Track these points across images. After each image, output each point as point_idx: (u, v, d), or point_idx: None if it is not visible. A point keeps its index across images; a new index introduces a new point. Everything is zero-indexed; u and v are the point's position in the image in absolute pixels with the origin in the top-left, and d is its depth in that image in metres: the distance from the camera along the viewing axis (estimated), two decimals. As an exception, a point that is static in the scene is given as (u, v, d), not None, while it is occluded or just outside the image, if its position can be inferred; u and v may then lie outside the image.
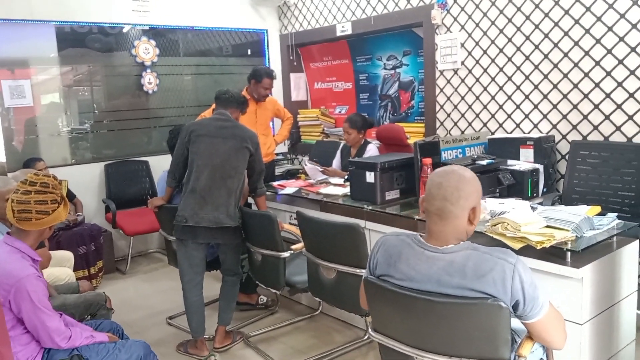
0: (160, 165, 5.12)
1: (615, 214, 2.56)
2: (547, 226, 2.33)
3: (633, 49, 3.24)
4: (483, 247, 1.63)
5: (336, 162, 4.29)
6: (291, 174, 5.12)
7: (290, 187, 3.85)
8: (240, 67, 5.85)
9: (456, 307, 1.57)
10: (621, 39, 3.28)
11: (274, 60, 5.95)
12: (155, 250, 5.23)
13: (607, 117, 3.42)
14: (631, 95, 3.28)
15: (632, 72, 3.26)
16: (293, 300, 3.75)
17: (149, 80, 5.16)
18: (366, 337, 3.17)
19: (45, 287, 2.10)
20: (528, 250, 2.22)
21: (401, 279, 1.68)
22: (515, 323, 1.73)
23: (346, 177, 3.72)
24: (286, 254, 2.89)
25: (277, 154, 5.16)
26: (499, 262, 1.56)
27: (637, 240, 2.48)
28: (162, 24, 5.18)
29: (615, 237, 2.40)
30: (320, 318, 3.51)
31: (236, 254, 3.16)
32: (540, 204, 3.05)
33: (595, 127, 3.48)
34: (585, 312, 2.19)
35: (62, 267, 3.25)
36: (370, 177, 3.18)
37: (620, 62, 3.30)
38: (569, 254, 2.22)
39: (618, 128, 3.37)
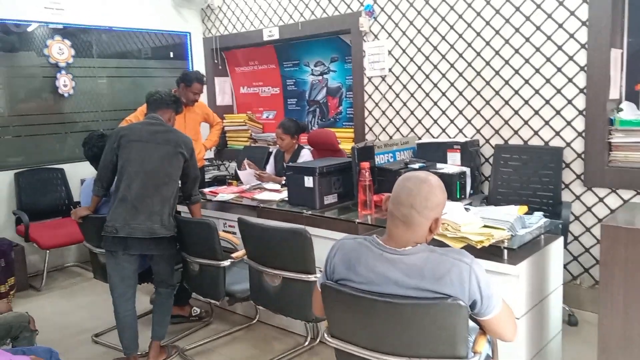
0: (77, 172, 4.83)
1: (541, 213, 2.73)
2: (485, 226, 2.44)
3: (548, 59, 3.48)
4: (439, 249, 1.67)
5: (270, 168, 4.24)
6: (219, 180, 5.01)
7: (223, 193, 3.74)
8: (162, 70, 5.65)
9: (417, 308, 1.59)
10: (537, 49, 3.52)
11: (198, 64, 5.80)
12: (73, 264, 4.89)
13: (526, 122, 3.64)
14: (547, 102, 3.52)
15: (548, 81, 3.50)
16: (228, 310, 3.64)
17: (64, 83, 4.83)
18: (307, 343, 3.14)
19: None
20: (468, 249, 2.29)
21: (361, 282, 1.67)
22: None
23: (283, 182, 3.68)
24: (226, 263, 2.80)
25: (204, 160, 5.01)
26: (456, 263, 1.60)
27: (562, 237, 2.66)
28: (77, 23, 4.87)
29: (543, 235, 2.56)
30: (257, 327, 3.44)
31: (170, 264, 3.02)
32: (470, 204, 3.19)
33: (516, 132, 3.70)
34: (521, 306, 2.30)
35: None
36: (308, 181, 3.16)
37: (537, 71, 3.54)
38: (505, 251, 2.33)
39: (536, 132, 3.60)
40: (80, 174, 4.81)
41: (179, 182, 2.99)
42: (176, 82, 4.06)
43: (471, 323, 1.78)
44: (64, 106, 4.92)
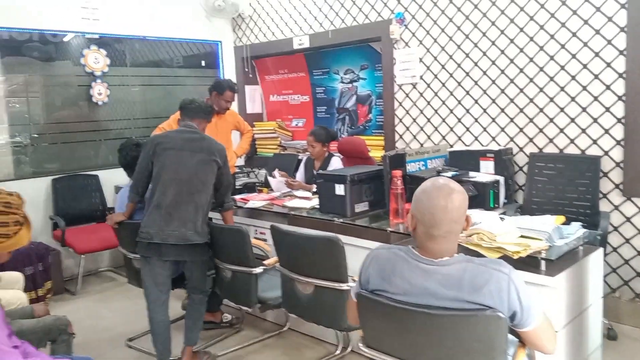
0: (110, 179, 4.92)
1: (579, 223, 2.66)
2: (522, 236, 2.39)
3: (585, 66, 3.41)
4: (477, 259, 1.64)
5: (300, 176, 4.26)
6: (249, 188, 5.03)
7: (253, 200, 3.77)
8: (194, 79, 5.73)
9: (455, 319, 1.57)
10: (573, 56, 3.45)
11: (229, 72, 5.86)
12: (107, 268, 4.98)
13: (561, 130, 3.57)
14: (584, 109, 3.45)
15: (584, 88, 3.43)
16: (259, 317, 3.65)
17: (99, 91, 4.94)
18: (338, 352, 3.13)
19: (2, 316, 1.93)
20: (504, 260, 2.25)
21: (396, 293, 1.66)
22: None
23: (313, 190, 3.68)
24: (258, 270, 2.81)
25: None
26: (494, 274, 1.58)
27: (602, 249, 2.59)
28: (112, 32, 4.99)
29: (581, 246, 2.49)
30: (288, 334, 3.44)
31: (203, 271, 3.04)
32: (504, 214, 3.14)
33: (551, 140, 3.63)
34: (560, 319, 2.24)
35: (11, 289, 3.01)
36: (340, 189, 3.16)
37: (573, 78, 3.47)
38: (543, 262, 2.27)
39: (572, 141, 3.53)
40: (114, 181, 4.91)
41: (212, 189, 3.02)
42: (208, 90, 4.12)
43: (510, 336, 1.75)
44: (98, 114, 5.03)
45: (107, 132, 5.10)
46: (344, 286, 2.45)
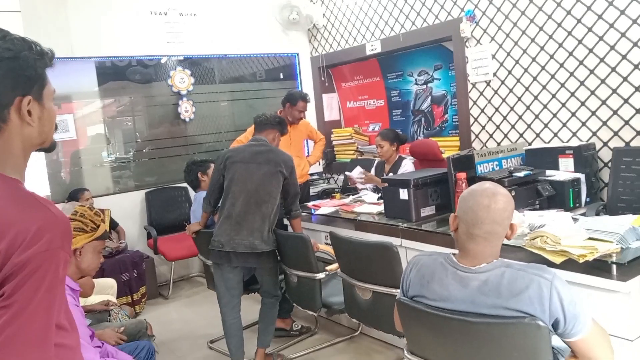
0: (198, 191, 5.23)
1: (663, 223, 2.44)
2: (590, 238, 2.25)
3: (673, 50, 3.12)
4: (517, 264, 1.59)
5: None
6: (326, 194, 5.13)
7: (325, 207, 3.85)
8: (274, 91, 5.93)
9: (492, 327, 1.53)
10: (660, 40, 3.17)
11: (306, 82, 6.01)
12: (197, 274, 5.31)
13: (650, 122, 3.29)
14: (674, 97, 3.15)
15: (674, 74, 3.13)
16: (332, 320, 3.72)
17: (185, 109, 5.29)
18: (407, 357, 3.10)
19: (83, 318, 2.15)
20: (571, 264, 2.14)
21: (435, 299, 1.65)
22: (558, 341, 1.66)
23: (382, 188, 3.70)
24: (321, 275, 2.88)
25: (311, 174, 5.18)
26: (535, 279, 1.52)
27: (688, 251, 2.35)
28: (195, 53, 5.32)
29: (663, 248, 2.29)
30: (360, 339, 3.47)
31: (273, 276, 3.17)
32: (584, 214, 2.95)
33: (639, 133, 3.35)
34: (634, 328, 2.08)
35: (105, 294, 3.33)
36: (404, 194, 3.14)
37: (661, 64, 3.19)
38: (614, 266, 2.12)
39: (663, 132, 3.24)
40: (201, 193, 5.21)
41: (280, 198, 3.12)
42: (281, 102, 4.25)
43: (563, 344, 1.66)
44: (186, 130, 5.39)
45: (197, 146, 5.42)
46: (398, 292, 2.44)
